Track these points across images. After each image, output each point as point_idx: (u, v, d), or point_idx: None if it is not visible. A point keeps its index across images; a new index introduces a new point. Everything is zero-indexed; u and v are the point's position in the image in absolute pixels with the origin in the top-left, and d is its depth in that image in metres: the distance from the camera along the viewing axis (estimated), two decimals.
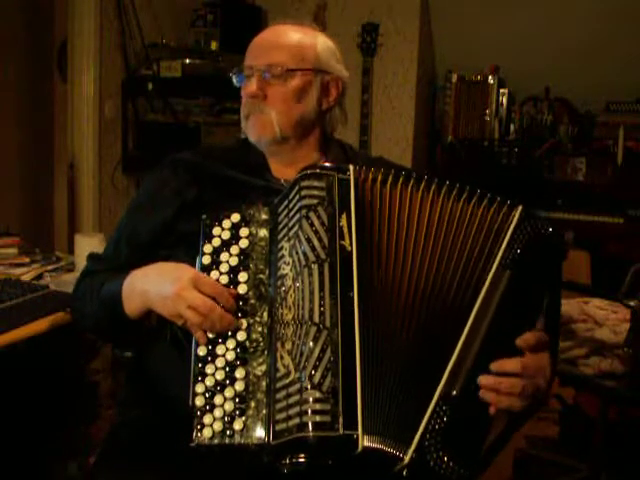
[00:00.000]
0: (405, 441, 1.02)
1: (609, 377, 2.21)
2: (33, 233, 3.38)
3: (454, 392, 1.04)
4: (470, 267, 1.11)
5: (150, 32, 3.53)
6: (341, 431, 0.97)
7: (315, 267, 1.06)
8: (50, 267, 2.06)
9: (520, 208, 1.14)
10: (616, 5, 3.54)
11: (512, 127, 3.83)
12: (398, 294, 1.09)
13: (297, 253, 1.09)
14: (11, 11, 3.40)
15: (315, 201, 1.11)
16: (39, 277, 1.98)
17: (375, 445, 0.99)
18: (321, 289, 1.05)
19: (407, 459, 1.01)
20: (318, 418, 0.97)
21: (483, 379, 1.05)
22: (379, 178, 1.15)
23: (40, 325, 1.61)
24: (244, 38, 1.42)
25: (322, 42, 1.36)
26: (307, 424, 0.97)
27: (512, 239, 1.11)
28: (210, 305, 1.09)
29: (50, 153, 3.65)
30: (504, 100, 3.81)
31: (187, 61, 3.49)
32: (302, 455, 0.99)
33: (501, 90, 3.81)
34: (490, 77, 3.80)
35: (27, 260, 2.10)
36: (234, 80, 1.36)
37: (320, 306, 1.03)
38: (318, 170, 1.15)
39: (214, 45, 3.73)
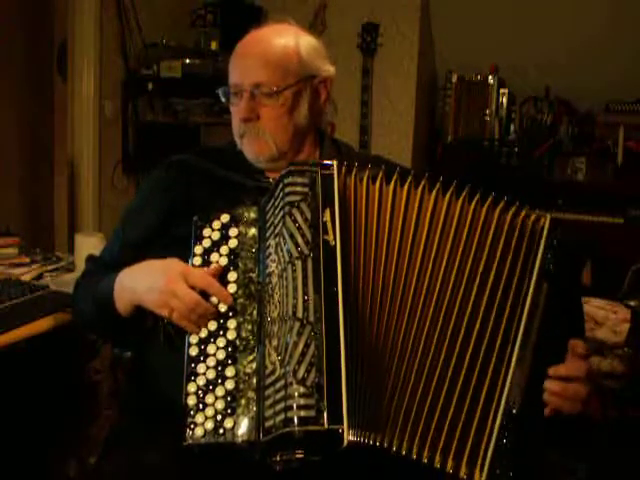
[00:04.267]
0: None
1: (609, 377, 2.21)
2: (33, 233, 3.38)
3: (514, 410, 1.04)
4: (497, 275, 1.10)
5: (150, 32, 3.53)
6: (326, 426, 0.97)
7: (298, 263, 1.07)
8: (50, 267, 2.06)
9: (549, 216, 1.12)
10: (616, 5, 3.54)
11: (512, 127, 3.83)
12: (385, 287, 1.09)
13: (282, 250, 1.10)
14: (11, 11, 3.39)
15: (298, 197, 1.12)
16: (39, 277, 1.98)
17: (362, 440, 1.00)
18: (304, 285, 1.05)
19: None
20: (303, 413, 0.98)
21: (549, 384, 1.05)
22: (364, 174, 1.15)
23: (40, 325, 1.61)
24: None
25: (305, 44, 1.32)
26: (292, 419, 0.98)
27: (545, 249, 1.10)
28: (196, 298, 1.11)
29: (50, 153, 3.65)
30: (504, 100, 3.81)
31: (187, 61, 3.49)
32: (292, 451, 0.99)
33: (501, 90, 3.81)
34: (490, 77, 3.80)
35: (27, 260, 2.10)
36: (221, 96, 1.33)
37: (304, 301, 1.04)
38: (301, 167, 1.15)
39: (214, 45, 3.73)
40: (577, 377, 1.06)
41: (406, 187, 1.14)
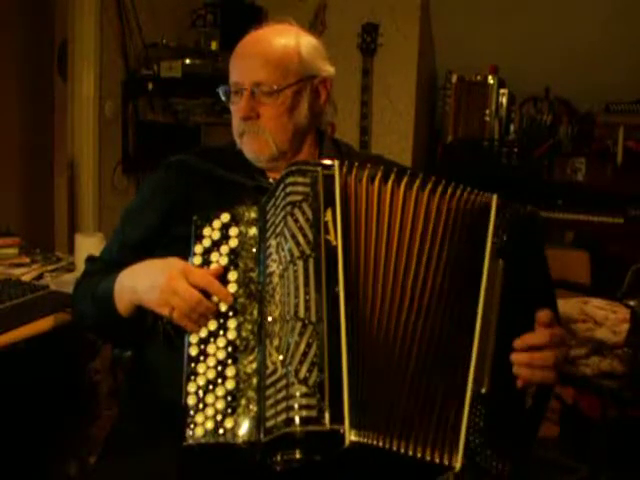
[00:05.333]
0: (434, 444, 1.02)
1: (609, 377, 2.21)
2: (33, 233, 3.37)
3: (483, 390, 1.05)
4: (461, 261, 1.11)
5: (150, 32, 3.53)
6: (328, 426, 0.97)
7: (300, 263, 1.07)
8: (50, 267, 2.06)
9: (495, 196, 1.15)
10: (616, 6, 3.54)
11: (512, 127, 3.82)
12: (385, 287, 1.09)
13: (283, 250, 1.09)
14: (11, 11, 3.39)
15: (300, 197, 1.11)
16: (39, 277, 1.98)
17: (364, 440, 0.99)
18: (306, 284, 1.05)
19: (458, 466, 1.02)
20: (305, 413, 0.98)
21: (515, 356, 1.06)
22: (365, 174, 1.15)
23: (40, 325, 1.61)
24: None
25: (305, 44, 1.33)
26: (294, 419, 0.98)
27: (496, 228, 1.12)
28: (197, 297, 1.11)
29: (50, 153, 3.65)
30: (504, 100, 3.81)
31: (187, 61, 3.49)
32: (293, 452, 0.99)
33: (501, 90, 3.81)
34: (490, 77, 3.79)
35: (27, 260, 2.10)
36: (221, 95, 1.34)
37: (305, 301, 1.04)
38: (302, 167, 1.15)
39: (214, 45, 3.72)
40: (543, 345, 1.07)
41: (402, 187, 1.14)
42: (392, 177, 1.15)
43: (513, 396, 1.07)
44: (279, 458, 1.00)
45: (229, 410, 1.06)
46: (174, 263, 1.17)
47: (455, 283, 1.11)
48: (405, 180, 1.15)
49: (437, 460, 1.02)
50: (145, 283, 1.18)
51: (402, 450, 1.02)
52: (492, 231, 1.12)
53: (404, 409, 1.04)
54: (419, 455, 1.02)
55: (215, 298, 1.14)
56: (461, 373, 1.06)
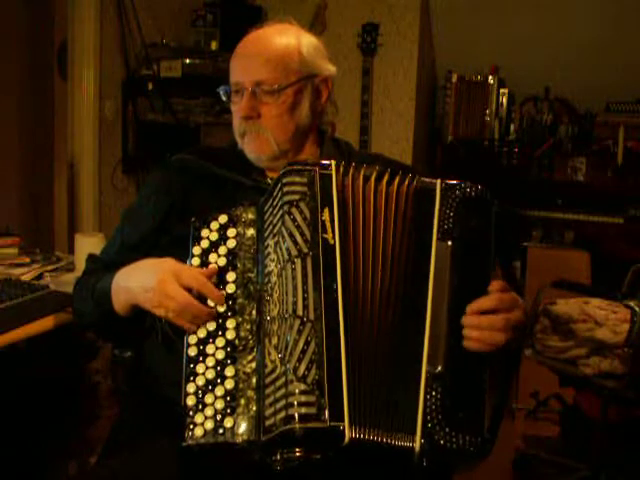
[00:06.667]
0: (400, 429, 1.02)
1: (609, 377, 2.21)
2: (33, 233, 3.38)
3: (439, 368, 1.05)
4: (415, 248, 1.12)
5: (150, 32, 3.53)
6: (327, 422, 0.97)
7: (298, 261, 1.07)
8: (50, 267, 2.06)
9: (439, 180, 1.15)
10: (616, 5, 3.54)
11: (512, 127, 3.83)
12: (381, 285, 1.09)
13: (281, 249, 1.10)
14: (11, 11, 3.39)
15: (297, 196, 1.12)
16: (39, 277, 1.98)
17: (363, 436, 0.99)
18: (304, 282, 1.05)
19: (417, 447, 1.01)
20: (304, 410, 0.97)
21: (465, 319, 1.06)
22: (361, 174, 1.15)
23: (40, 325, 1.61)
24: None
25: (306, 43, 1.33)
26: (293, 416, 0.98)
27: (441, 211, 1.12)
28: (187, 298, 1.11)
29: (50, 153, 3.65)
30: (504, 100, 3.81)
31: (187, 61, 3.49)
32: (292, 450, 0.99)
33: (501, 90, 3.81)
34: (490, 77, 3.80)
35: (27, 260, 2.10)
36: (221, 95, 1.34)
37: (303, 299, 1.04)
38: (299, 166, 1.15)
39: (214, 45, 3.73)
40: (493, 308, 1.07)
41: (396, 184, 1.15)
42: (386, 177, 1.15)
43: (472, 372, 1.06)
44: (279, 456, 1.00)
45: (228, 410, 1.06)
46: (166, 264, 1.17)
47: (410, 270, 1.11)
48: (397, 179, 1.15)
49: (395, 443, 1.01)
50: (138, 284, 1.18)
51: (374, 438, 1.01)
52: (437, 215, 1.12)
53: (400, 403, 1.04)
54: (387, 441, 1.01)
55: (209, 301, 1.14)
56: (416, 355, 1.06)
